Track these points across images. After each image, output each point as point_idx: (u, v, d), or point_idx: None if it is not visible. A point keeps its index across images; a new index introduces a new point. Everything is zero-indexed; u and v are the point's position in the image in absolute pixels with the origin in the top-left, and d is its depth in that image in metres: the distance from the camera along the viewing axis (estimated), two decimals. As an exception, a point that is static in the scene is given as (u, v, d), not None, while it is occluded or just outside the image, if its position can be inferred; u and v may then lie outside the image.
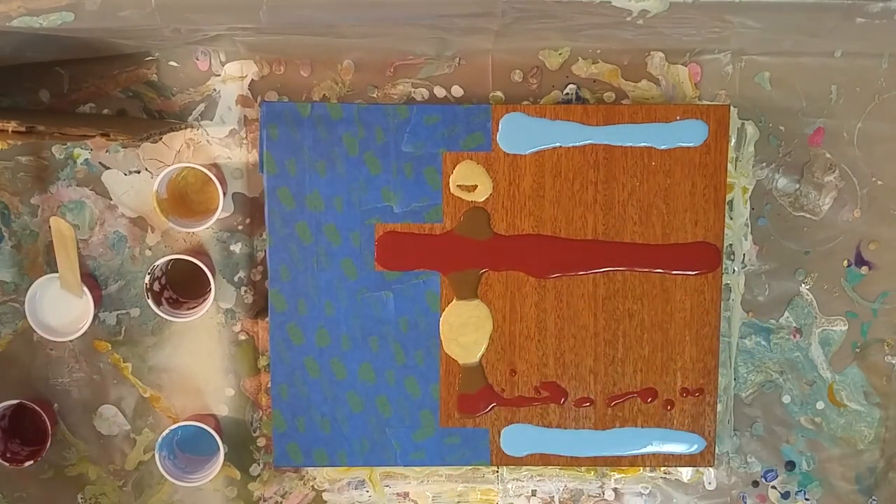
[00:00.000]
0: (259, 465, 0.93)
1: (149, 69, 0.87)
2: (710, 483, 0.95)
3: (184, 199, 0.89)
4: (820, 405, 0.93)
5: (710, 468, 0.94)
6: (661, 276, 0.87)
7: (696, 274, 0.87)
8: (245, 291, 0.90)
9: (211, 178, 0.84)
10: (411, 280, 0.87)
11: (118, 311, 0.90)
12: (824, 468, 0.94)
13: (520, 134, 0.85)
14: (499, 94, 0.89)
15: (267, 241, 0.86)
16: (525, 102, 0.89)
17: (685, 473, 0.95)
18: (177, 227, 0.85)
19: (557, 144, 0.86)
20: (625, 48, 0.87)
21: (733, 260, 0.91)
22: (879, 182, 0.90)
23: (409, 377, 0.88)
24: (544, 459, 0.90)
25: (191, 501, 0.93)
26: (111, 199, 0.89)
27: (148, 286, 0.85)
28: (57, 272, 0.85)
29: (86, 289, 0.85)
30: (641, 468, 0.94)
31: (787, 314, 0.92)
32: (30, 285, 0.86)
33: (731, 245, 0.91)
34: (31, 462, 0.87)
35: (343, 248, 0.86)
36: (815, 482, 0.95)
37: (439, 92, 0.89)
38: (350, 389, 0.88)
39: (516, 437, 0.88)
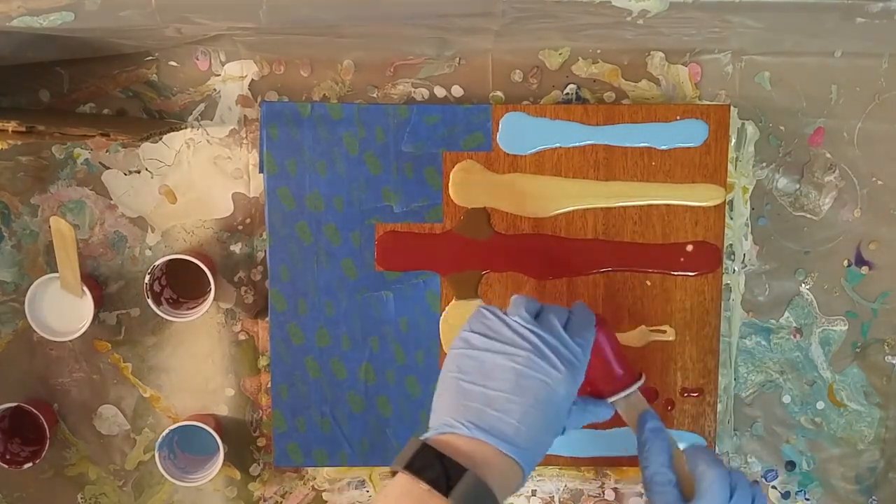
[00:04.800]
0: (259, 465, 0.93)
1: (149, 69, 0.87)
2: (710, 483, 0.95)
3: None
4: (820, 405, 0.93)
5: (710, 468, 0.94)
6: (661, 276, 0.87)
7: (696, 274, 0.87)
8: (245, 291, 0.90)
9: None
10: (411, 280, 0.87)
11: (118, 311, 0.90)
12: (824, 468, 0.94)
13: (520, 134, 0.85)
14: (499, 94, 0.89)
15: (267, 241, 0.87)
16: (525, 102, 0.89)
17: (685, 473, 0.95)
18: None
19: (557, 144, 0.86)
20: (625, 48, 0.87)
21: (733, 260, 0.91)
22: (879, 182, 0.90)
23: (409, 377, 0.88)
24: (544, 459, 0.89)
25: (191, 501, 0.93)
26: (111, 199, 0.89)
27: (148, 286, 0.85)
28: (57, 272, 0.85)
29: (86, 289, 0.85)
30: (641, 468, 0.94)
31: (787, 314, 0.92)
32: (30, 285, 0.86)
33: (731, 245, 0.91)
34: (31, 464, 0.87)
35: (343, 248, 0.86)
36: (815, 482, 0.95)
37: (439, 92, 0.89)
38: (350, 389, 0.88)
39: (516, 437, 0.88)
